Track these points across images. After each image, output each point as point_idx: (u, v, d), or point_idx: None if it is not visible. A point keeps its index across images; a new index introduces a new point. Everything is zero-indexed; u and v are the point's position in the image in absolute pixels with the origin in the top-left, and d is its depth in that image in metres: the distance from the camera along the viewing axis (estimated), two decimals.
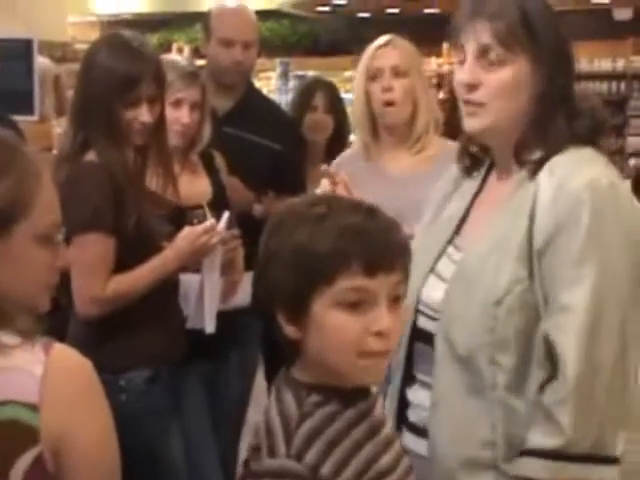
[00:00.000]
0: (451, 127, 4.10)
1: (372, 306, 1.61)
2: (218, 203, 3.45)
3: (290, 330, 1.65)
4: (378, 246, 1.62)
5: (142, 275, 2.98)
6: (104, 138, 2.93)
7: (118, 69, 2.93)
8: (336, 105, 4.60)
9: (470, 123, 2.15)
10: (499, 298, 2.03)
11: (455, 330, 2.08)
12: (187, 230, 3.08)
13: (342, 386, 1.66)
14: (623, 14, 12.51)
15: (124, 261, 2.96)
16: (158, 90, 3.01)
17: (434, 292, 2.18)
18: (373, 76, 3.40)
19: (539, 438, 1.98)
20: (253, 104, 4.11)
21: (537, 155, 2.09)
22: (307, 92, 4.66)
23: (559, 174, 2.04)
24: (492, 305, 2.03)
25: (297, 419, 1.62)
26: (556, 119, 2.09)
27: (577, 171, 2.03)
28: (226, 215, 3.21)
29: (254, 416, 3.93)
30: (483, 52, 2.09)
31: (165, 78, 3.06)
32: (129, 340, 2.99)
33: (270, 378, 4.70)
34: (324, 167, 2.59)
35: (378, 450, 1.69)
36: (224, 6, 4.21)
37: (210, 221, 3.15)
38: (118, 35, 3.10)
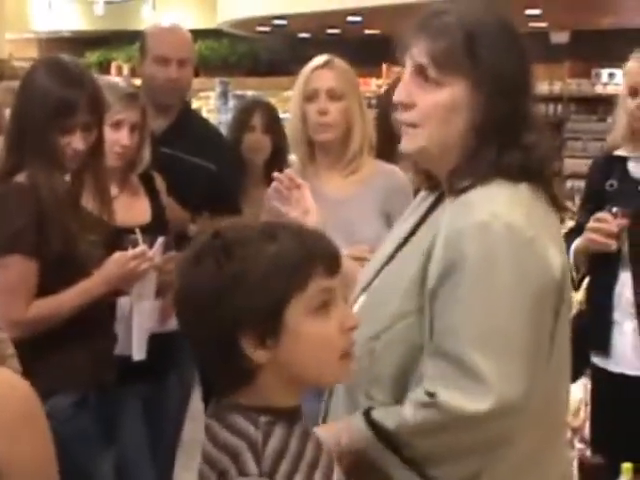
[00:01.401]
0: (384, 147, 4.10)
1: (335, 306, 1.68)
2: (157, 225, 3.43)
3: (259, 355, 1.64)
4: (331, 248, 1.71)
5: (67, 299, 2.95)
6: (37, 161, 2.90)
7: (54, 93, 2.91)
8: (274, 126, 4.62)
9: (404, 144, 2.08)
10: (377, 332, 1.98)
11: None
12: (117, 255, 3.06)
13: (286, 407, 1.69)
14: (560, 37, 12.67)
15: (49, 285, 2.93)
16: (94, 116, 2.98)
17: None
18: (309, 97, 3.38)
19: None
20: (189, 124, 4.11)
21: (463, 184, 1.99)
22: (245, 112, 4.71)
23: (459, 210, 1.95)
24: (370, 339, 1.97)
25: (261, 439, 1.63)
26: (487, 149, 1.98)
27: (476, 209, 1.92)
28: (160, 240, 3.19)
29: (189, 434, 3.91)
30: (419, 71, 2.01)
31: (103, 104, 3.03)
32: (53, 364, 2.95)
33: (207, 398, 4.69)
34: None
35: (329, 469, 1.73)
36: (159, 25, 4.22)
37: (141, 247, 3.13)
38: (57, 59, 3.08)
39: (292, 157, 4.44)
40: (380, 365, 1.98)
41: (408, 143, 2.06)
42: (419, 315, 1.94)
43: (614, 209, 3.35)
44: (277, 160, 4.53)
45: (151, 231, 3.33)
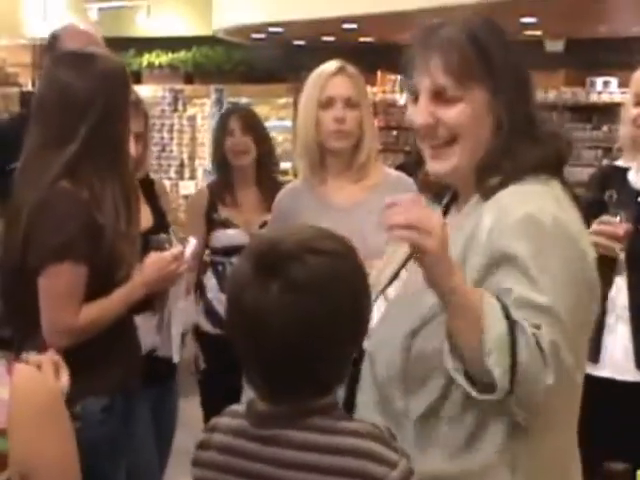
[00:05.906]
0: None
1: None
2: (159, 230, 3.43)
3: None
4: None
5: (111, 303, 2.92)
6: (108, 166, 2.90)
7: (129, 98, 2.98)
8: (253, 128, 4.65)
9: (436, 166, 2.09)
10: (414, 329, 1.99)
11: (378, 355, 2.05)
12: (155, 257, 3.03)
13: None
14: (555, 46, 12.66)
15: (94, 290, 2.89)
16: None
17: (378, 313, 2.12)
18: (324, 105, 3.39)
19: None
20: None
21: (495, 181, 2.03)
22: (223, 118, 4.81)
23: (498, 207, 1.98)
24: (406, 336, 1.99)
25: (377, 429, 1.76)
26: (518, 146, 2.03)
27: (518, 204, 1.96)
28: (193, 242, 3.18)
29: (184, 442, 3.86)
30: (438, 92, 2.03)
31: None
32: (88, 368, 2.91)
33: (207, 405, 4.65)
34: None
35: None
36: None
37: (179, 248, 3.10)
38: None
39: (285, 165, 4.46)
40: (418, 361, 1.98)
41: (441, 165, 2.08)
42: None
43: (619, 214, 3.36)
44: (265, 162, 4.57)
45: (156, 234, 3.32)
